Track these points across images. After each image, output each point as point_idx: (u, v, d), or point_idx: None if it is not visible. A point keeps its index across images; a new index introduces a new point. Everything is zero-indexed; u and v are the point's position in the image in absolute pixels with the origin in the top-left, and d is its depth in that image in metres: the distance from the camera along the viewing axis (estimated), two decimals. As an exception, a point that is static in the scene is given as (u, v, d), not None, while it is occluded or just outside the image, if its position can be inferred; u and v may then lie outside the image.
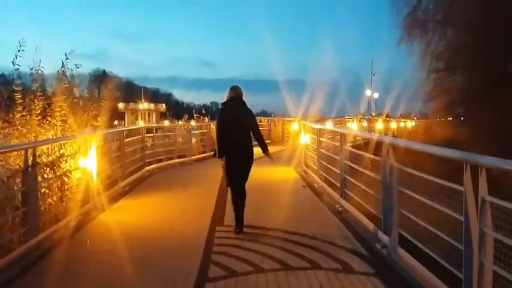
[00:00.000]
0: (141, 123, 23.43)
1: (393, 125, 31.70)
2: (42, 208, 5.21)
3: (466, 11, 16.75)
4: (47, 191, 5.67)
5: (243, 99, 5.35)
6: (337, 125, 14.35)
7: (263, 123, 20.38)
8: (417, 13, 19.19)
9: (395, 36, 20.49)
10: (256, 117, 6.39)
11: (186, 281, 3.65)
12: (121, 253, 4.38)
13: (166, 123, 26.01)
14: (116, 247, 4.58)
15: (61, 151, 6.57)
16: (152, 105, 66.23)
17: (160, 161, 10.99)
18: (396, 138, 11.66)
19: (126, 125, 24.41)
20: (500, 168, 2.69)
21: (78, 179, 6.28)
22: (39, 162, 5.33)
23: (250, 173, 5.33)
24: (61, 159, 6.38)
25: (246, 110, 5.33)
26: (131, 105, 61.65)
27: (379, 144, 4.74)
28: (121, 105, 54.09)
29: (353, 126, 20.61)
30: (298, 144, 10.96)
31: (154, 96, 75.27)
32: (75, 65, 7.66)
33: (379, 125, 27.28)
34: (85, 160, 6.12)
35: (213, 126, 12.05)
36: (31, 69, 7.16)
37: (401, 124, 35.09)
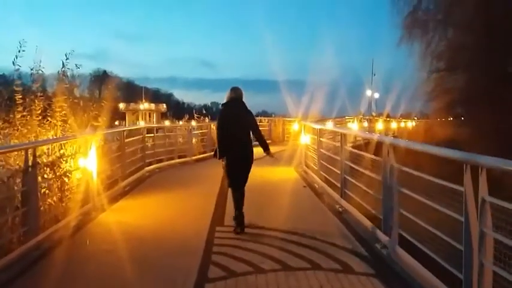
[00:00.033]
0: (142, 124, 23.48)
1: (394, 125, 31.67)
2: (42, 208, 5.22)
3: (467, 11, 16.75)
4: (47, 191, 5.67)
5: (243, 100, 5.42)
6: (338, 125, 14.35)
7: (263, 123, 20.39)
8: (418, 13, 19.19)
9: (396, 36, 20.55)
10: (257, 118, 6.41)
11: (186, 281, 3.65)
12: (121, 253, 4.38)
13: (167, 123, 26.08)
14: (116, 247, 4.58)
15: (61, 151, 6.57)
16: (153, 106, 66.18)
17: (160, 161, 10.98)
18: (397, 138, 11.65)
19: (127, 125, 24.36)
20: (500, 169, 2.69)
21: (78, 179, 6.28)
22: (40, 162, 5.33)
23: (250, 173, 5.37)
24: (61, 160, 6.38)
25: (246, 110, 5.40)
26: (132, 105, 61.61)
27: (379, 145, 4.74)
28: (122, 106, 54.08)
29: (353, 127, 20.61)
30: (299, 145, 10.96)
31: (155, 96, 75.23)
32: (76, 65, 7.69)
33: (380, 125, 27.26)
34: (85, 160, 6.12)
35: (213, 126, 12.06)
36: (31, 69, 7.18)
37: (402, 124, 35.06)
